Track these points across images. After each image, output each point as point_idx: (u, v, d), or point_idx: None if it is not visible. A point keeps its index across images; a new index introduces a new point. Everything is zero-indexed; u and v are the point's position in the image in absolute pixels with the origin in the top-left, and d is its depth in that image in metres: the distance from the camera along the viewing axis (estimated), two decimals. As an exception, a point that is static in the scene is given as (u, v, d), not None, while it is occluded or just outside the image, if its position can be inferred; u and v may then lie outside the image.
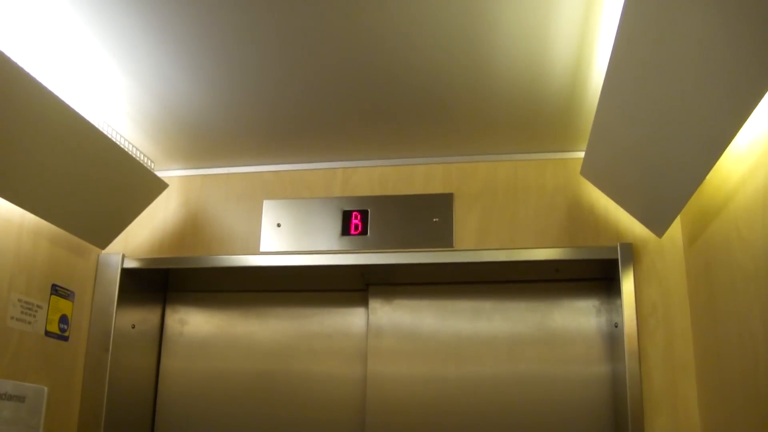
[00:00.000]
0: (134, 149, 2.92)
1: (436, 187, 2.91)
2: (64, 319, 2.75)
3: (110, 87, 2.48)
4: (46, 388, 2.62)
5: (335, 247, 2.91)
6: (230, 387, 3.11)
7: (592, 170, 2.61)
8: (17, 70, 2.11)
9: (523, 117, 2.63)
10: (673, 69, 1.80)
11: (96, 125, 2.51)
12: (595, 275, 2.88)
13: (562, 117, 2.62)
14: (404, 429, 2.91)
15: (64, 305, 2.75)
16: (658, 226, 2.43)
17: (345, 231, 2.91)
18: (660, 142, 2.07)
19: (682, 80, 1.80)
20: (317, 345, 3.11)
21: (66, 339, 2.76)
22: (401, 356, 2.99)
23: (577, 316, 2.91)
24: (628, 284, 2.63)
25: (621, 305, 2.62)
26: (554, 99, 2.49)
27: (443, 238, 2.83)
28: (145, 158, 3.01)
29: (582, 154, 2.74)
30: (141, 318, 3.08)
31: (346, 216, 2.93)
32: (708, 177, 2.17)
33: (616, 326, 2.75)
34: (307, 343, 3.11)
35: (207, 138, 2.85)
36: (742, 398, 2.06)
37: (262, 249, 2.96)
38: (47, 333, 2.65)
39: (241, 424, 3.06)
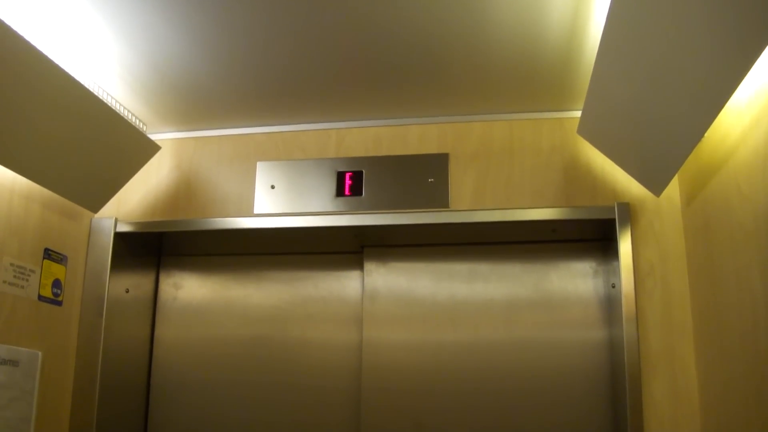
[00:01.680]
0: (126, 111, 2.89)
1: (431, 147, 2.88)
2: (57, 284, 2.73)
3: (102, 48, 2.44)
4: (40, 353, 2.60)
5: (330, 209, 2.89)
6: (225, 351, 3.10)
7: (589, 129, 2.59)
8: (8, 31, 2.08)
9: (520, 75, 2.60)
10: (671, 25, 1.78)
11: (88, 87, 2.48)
12: (592, 236, 2.87)
13: (559, 75, 2.59)
14: (400, 393, 2.90)
15: (57, 269, 2.73)
16: (656, 185, 2.41)
17: (339, 192, 2.89)
18: (658, 99, 2.05)
19: (680, 36, 1.78)
20: (312, 309, 3.10)
21: (59, 303, 2.74)
22: (396, 320, 2.98)
23: (574, 278, 2.90)
24: (625, 244, 2.61)
25: (618, 266, 2.61)
26: (551, 57, 2.47)
27: (439, 198, 2.81)
28: (138, 121, 2.98)
29: (578, 113, 2.71)
30: (135, 282, 3.06)
31: (341, 177, 2.91)
32: (707, 134, 2.15)
33: (614, 287, 2.74)
34: (302, 307, 3.10)
35: (199, 100, 2.82)
36: (741, 359, 2.05)
37: (256, 211, 2.94)
38: (40, 297, 2.63)
39: (235, 388, 3.06)
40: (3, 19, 2.05)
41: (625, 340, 2.54)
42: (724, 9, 1.57)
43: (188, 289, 3.21)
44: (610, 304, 2.81)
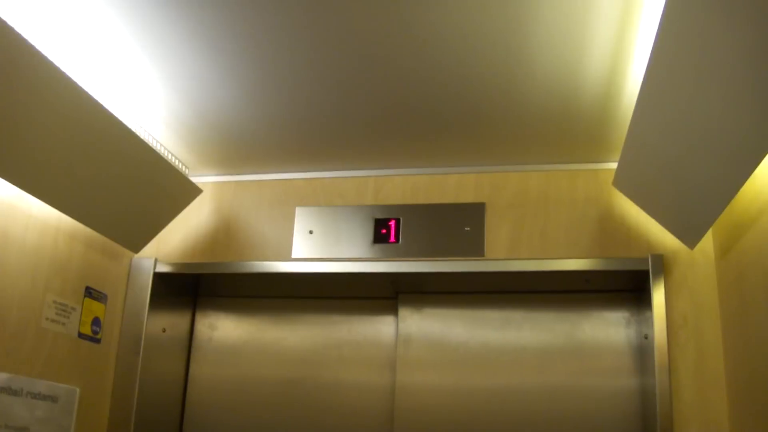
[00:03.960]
0: (169, 154, 2.95)
1: (467, 197, 2.92)
2: (96, 322, 2.77)
3: (148, 92, 2.50)
4: (78, 389, 2.64)
5: (366, 255, 2.92)
6: (258, 393, 3.12)
7: (624, 181, 2.62)
8: (56, 72, 2.14)
9: (556, 127, 2.63)
10: (709, 81, 1.80)
11: (133, 130, 2.54)
12: (625, 287, 2.88)
13: (595, 127, 2.62)
14: (432, 437, 2.91)
15: (97, 308, 2.78)
16: (690, 238, 2.43)
17: (376, 239, 2.92)
18: (694, 153, 2.07)
19: (717, 92, 1.80)
20: (346, 353, 3.11)
21: (98, 341, 2.79)
22: (430, 366, 2.98)
23: (606, 328, 2.90)
24: (658, 296, 2.62)
25: (651, 317, 2.61)
26: (588, 109, 2.50)
27: (474, 247, 2.83)
28: (180, 164, 3.03)
29: (614, 165, 2.74)
30: (171, 322, 3.10)
31: (378, 224, 2.94)
32: (742, 188, 2.17)
33: (646, 338, 2.74)
34: (336, 351, 3.12)
35: (241, 145, 2.87)
36: (775, 412, 2.05)
37: (293, 255, 2.97)
38: (80, 335, 2.68)
39: (268, 429, 3.06)
40: (52, 60, 2.12)
41: (657, 392, 2.53)
42: (761, 68, 1.60)
43: (223, 330, 3.24)
44: (642, 354, 2.81)
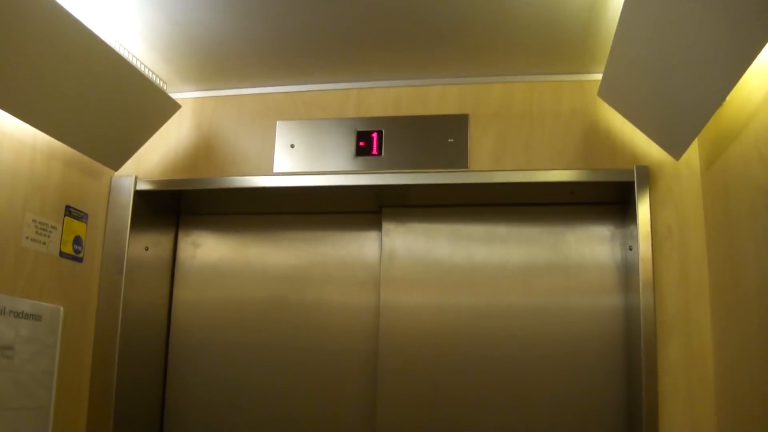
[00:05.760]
0: (147, 70, 2.89)
1: (451, 108, 2.88)
2: (78, 241, 2.75)
3: (123, 5, 2.45)
4: (61, 308, 2.64)
5: (349, 168, 2.89)
6: (242, 311, 3.14)
7: (609, 91, 2.59)
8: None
9: (541, 37, 2.59)
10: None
11: (109, 44, 2.48)
12: (610, 199, 2.87)
13: (580, 38, 2.58)
14: (417, 355, 2.92)
15: (77, 227, 2.75)
16: (676, 149, 2.41)
17: (359, 152, 2.89)
18: (679, 62, 2.04)
19: (704, -2, 1.77)
20: (330, 269, 3.11)
21: (80, 260, 2.77)
22: (414, 281, 2.99)
23: (591, 241, 2.90)
24: (643, 208, 2.61)
25: (636, 230, 2.61)
26: (573, 19, 2.46)
27: (458, 159, 2.81)
28: (158, 79, 2.98)
29: (599, 77, 2.70)
30: (154, 241, 3.09)
31: (360, 136, 2.91)
32: (728, 98, 2.14)
33: (631, 249, 2.74)
34: (320, 268, 3.12)
35: (220, 58, 2.82)
36: (756, 322, 2.06)
37: (275, 170, 2.95)
38: (62, 254, 2.66)
39: (251, 348, 3.09)
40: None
41: (641, 303, 2.55)
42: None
43: (206, 249, 3.23)
44: (627, 267, 2.82)
